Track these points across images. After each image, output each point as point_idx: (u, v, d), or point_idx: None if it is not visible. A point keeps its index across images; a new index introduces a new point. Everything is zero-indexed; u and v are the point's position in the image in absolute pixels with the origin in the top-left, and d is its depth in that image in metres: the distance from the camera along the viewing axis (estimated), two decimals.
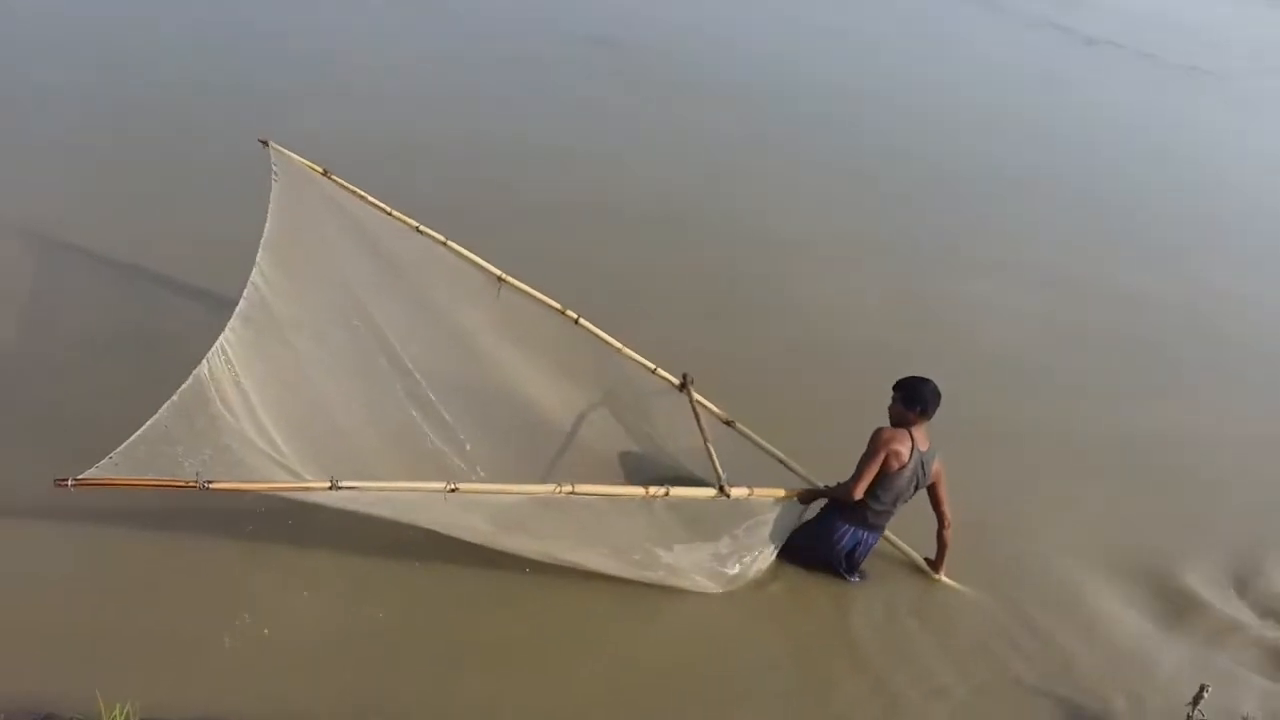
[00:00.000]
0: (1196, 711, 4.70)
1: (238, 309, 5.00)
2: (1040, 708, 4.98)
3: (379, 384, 5.62)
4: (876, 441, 5.14)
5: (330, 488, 4.09)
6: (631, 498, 4.88)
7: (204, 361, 4.55)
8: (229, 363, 4.72)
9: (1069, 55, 22.07)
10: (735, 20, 19.28)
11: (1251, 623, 5.69)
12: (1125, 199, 13.48)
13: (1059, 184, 13.45)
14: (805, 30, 19.64)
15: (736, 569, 5.36)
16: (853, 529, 5.32)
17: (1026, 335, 8.83)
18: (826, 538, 5.38)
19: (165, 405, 4.23)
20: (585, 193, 10.06)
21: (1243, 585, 6.00)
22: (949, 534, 5.50)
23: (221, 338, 4.76)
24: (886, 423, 5.24)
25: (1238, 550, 6.29)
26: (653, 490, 4.84)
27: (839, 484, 5.27)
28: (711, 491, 5.01)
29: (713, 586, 5.31)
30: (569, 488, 4.60)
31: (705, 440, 5.39)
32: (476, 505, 4.61)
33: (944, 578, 5.61)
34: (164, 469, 4.02)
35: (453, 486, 4.32)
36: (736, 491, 5.04)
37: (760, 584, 5.41)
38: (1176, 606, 5.76)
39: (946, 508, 5.44)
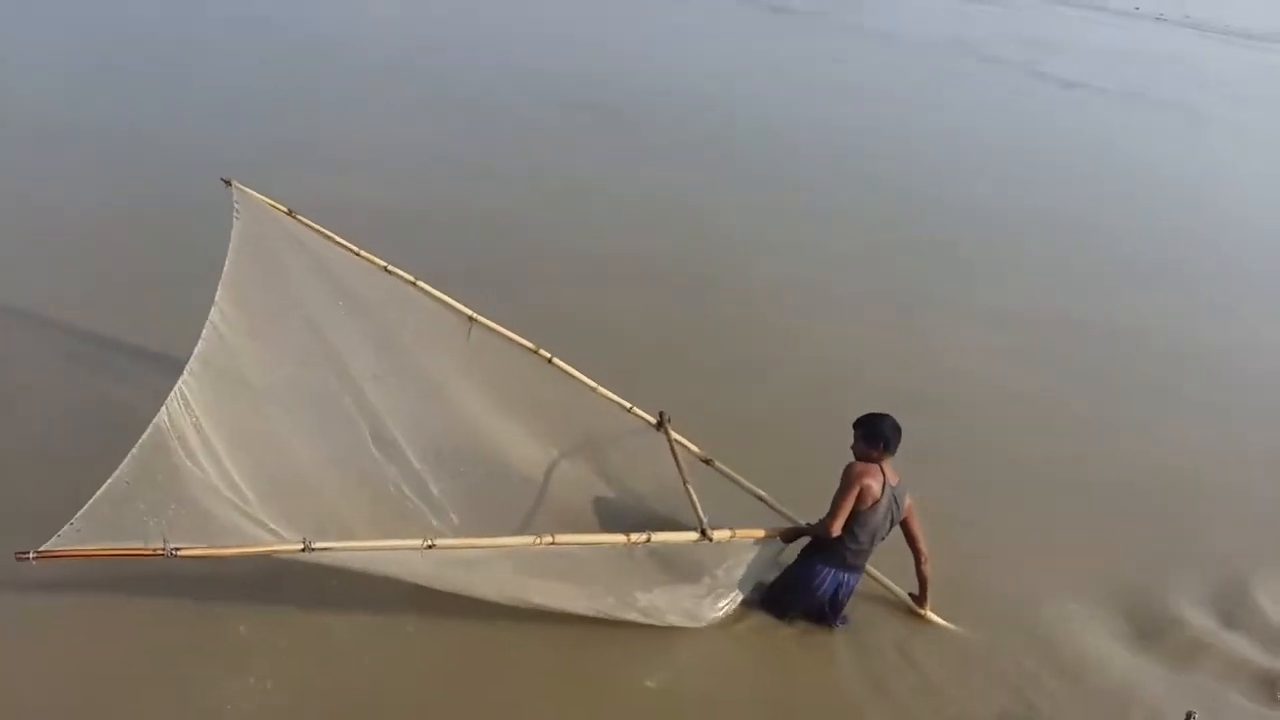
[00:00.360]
0: None
1: (196, 350, 4.82)
2: None
3: (345, 427, 5.46)
4: (849, 475, 5.05)
5: (303, 549, 3.94)
6: (613, 545, 4.77)
7: (163, 408, 4.38)
8: (188, 407, 4.54)
9: (1053, 98, 22.62)
10: (725, 76, 19.62)
11: (1237, 646, 5.66)
12: (1114, 232, 13.70)
13: (1052, 222, 13.67)
14: (796, 85, 19.92)
15: (714, 607, 5.28)
16: (832, 571, 5.23)
17: (1015, 372, 8.88)
18: (806, 583, 5.27)
19: (125, 460, 4.05)
20: (582, 252, 10.07)
21: (1226, 610, 5.97)
22: (927, 568, 5.44)
23: (180, 381, 4.58)
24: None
25: (1220, 576, 6.27)
26: (634, 537, 4.75)
27: (818, 521, 5.19)
28: (694, 535, 4.92)
29: (688, 624, 5.21)
30: (549, 539, 4.49)
31: (685, 481, 5.29)
32: (453, 559, 4.46)
33: (930, 613, 5.54)
34: (129, 529, 3.85)
35: (430, 543, 4.20)
36: (719, 534, 4.96)
37: (738, 630, 5.33)
38: (1159, 633, 5.73)
39: (922, 543, 5.38)
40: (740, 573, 5.27)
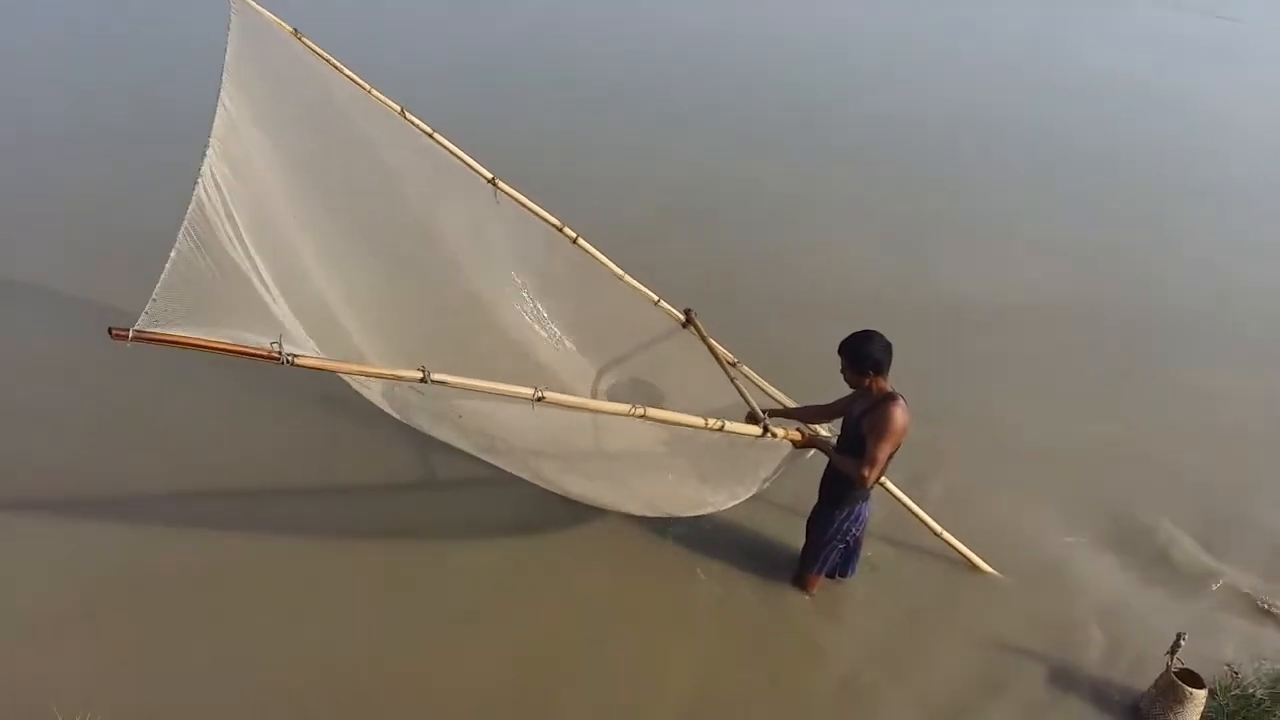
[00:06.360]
0: (1175, 660, 4.75)
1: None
2: (1019, 664, 4.99)
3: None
4: (894, 425, 4.42)
5: (422, 379, 3.38)
6: (692, 426, 4.37)
7: (198, 184, 3.65)
8: (218, 189, 3.80)
9: None
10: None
11: (1229, 571, 5.82)
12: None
13: None
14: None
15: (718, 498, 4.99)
16: (860, 505, 4.89)
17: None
18: (843, 529, 4.92)
19: (180, 233, 3.30)
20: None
21: (1219, 536, 6.08)
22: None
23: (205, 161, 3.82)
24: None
25: (1214, 503, 6.40)
26: (711, 422, 4.37)
27: (853, 461, 4.58)
28: (757, 430, 4.58)
29: (690, 511, 5.08)
30: (642, 410, 4.12)
31: (732, 379, 5.03)
32: (547, 417, 3.99)
33: (949, 536, 5.42)
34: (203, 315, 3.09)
35: (540, 395, 3.71)
36: (779, 430, 4.65)
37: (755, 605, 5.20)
38: (1153, 559, 5.84)
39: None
40: (763, 471, 4.95)
